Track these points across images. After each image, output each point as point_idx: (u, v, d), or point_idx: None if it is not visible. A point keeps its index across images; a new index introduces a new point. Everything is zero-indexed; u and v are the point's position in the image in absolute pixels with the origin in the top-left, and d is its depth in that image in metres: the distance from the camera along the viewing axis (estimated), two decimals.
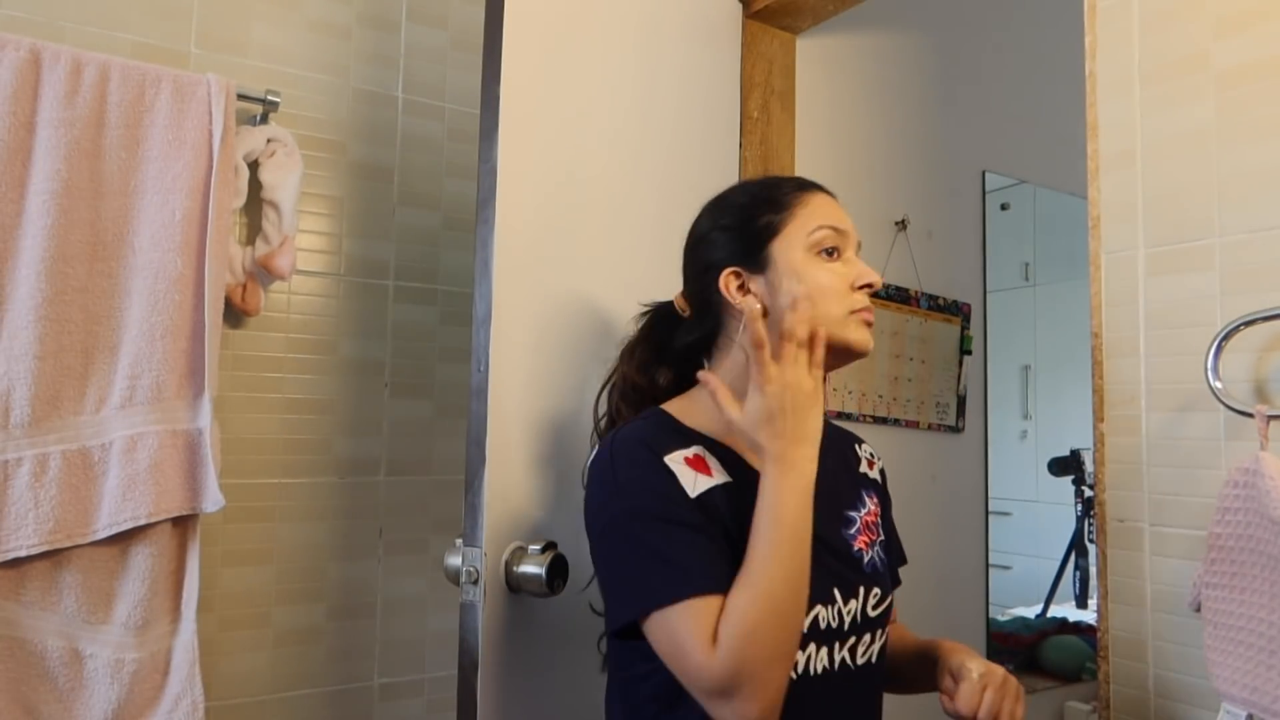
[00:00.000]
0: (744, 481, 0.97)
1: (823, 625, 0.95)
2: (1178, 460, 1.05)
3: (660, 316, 1.15)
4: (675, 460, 0.96)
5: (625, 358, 1.15)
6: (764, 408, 0.92)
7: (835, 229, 1.02)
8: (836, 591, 0.97)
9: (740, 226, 1.04)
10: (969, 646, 1.03)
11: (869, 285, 1.01)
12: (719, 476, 0.97)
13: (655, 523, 0.91)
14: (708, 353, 1.09)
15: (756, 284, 1.02)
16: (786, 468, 0.90)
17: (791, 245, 1.01)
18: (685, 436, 1.00)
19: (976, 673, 0.95)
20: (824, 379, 1.00)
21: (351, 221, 1.75)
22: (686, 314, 1.11)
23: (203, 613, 1.47)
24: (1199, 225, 1.05)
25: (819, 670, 0.95)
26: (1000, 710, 0.93)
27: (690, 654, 0.84)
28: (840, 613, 0.97)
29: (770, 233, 1.02)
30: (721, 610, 0.86)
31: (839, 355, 1.02)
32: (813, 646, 0.94)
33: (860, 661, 0.99)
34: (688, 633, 0.85)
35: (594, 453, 1.02)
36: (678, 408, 1.05)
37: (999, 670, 0.96)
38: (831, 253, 1.01)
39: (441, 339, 1.82)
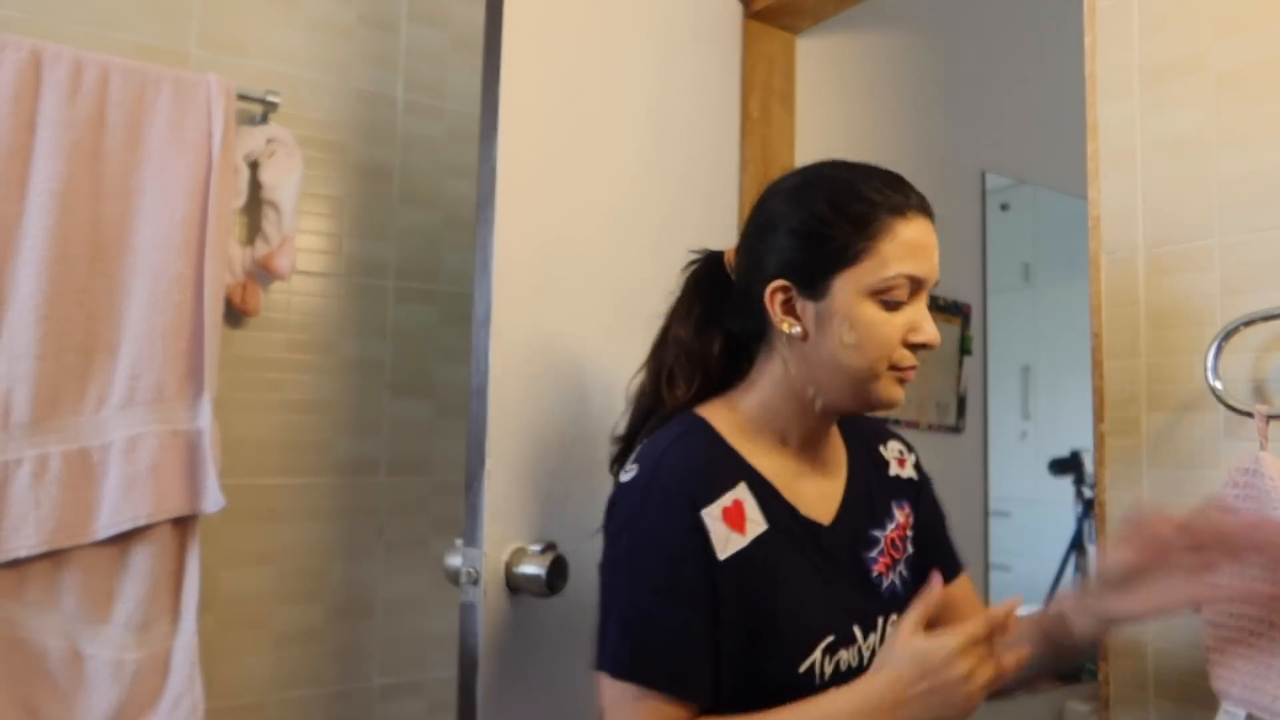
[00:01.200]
0: (781, 527, 0.92)
1: (843, 668, 0.92)
2: (1178, 460, 1.05)
3: (710, 270, 1.05)
4: (713, 515, 0.89)
5: (679, 318, 1.04)
6: (937, 659, 0.82)
7: (914, 278, 0.91)
8: (857, 630, 0.94)
9: (811, 238, 0.93)
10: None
11: (926, 345, 0.92)
12: (754, 529, 0.90)
13: (659, 595, 0.87)
14: (749, 349, 1.01)
15: (805, 308, 0.93)
16: (885, 706, 0.83)
17: (859, 283, 0.90)
18: (731, 467, 0.93)
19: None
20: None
21: (351, 221, 1.75)
22: (735, 278, 1.02)
23: (203, 613, 1.46)
24: (1199, 225, 1.05)
25: (828, 673, 0.92)
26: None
27: None
28: (860, 650, 0.94)
29: (841, 262, 0.91)
30: None
31: (847, 406, 0.96)
32: (833, 690, 0.89)
33: None
34: (619, 717, 0.85)
35: (629, 474, 0.93)
36: (724, 419, 0.97)
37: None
38: (899, 302, 0.92)
39: (441, 339, 1.82)
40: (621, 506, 0.93)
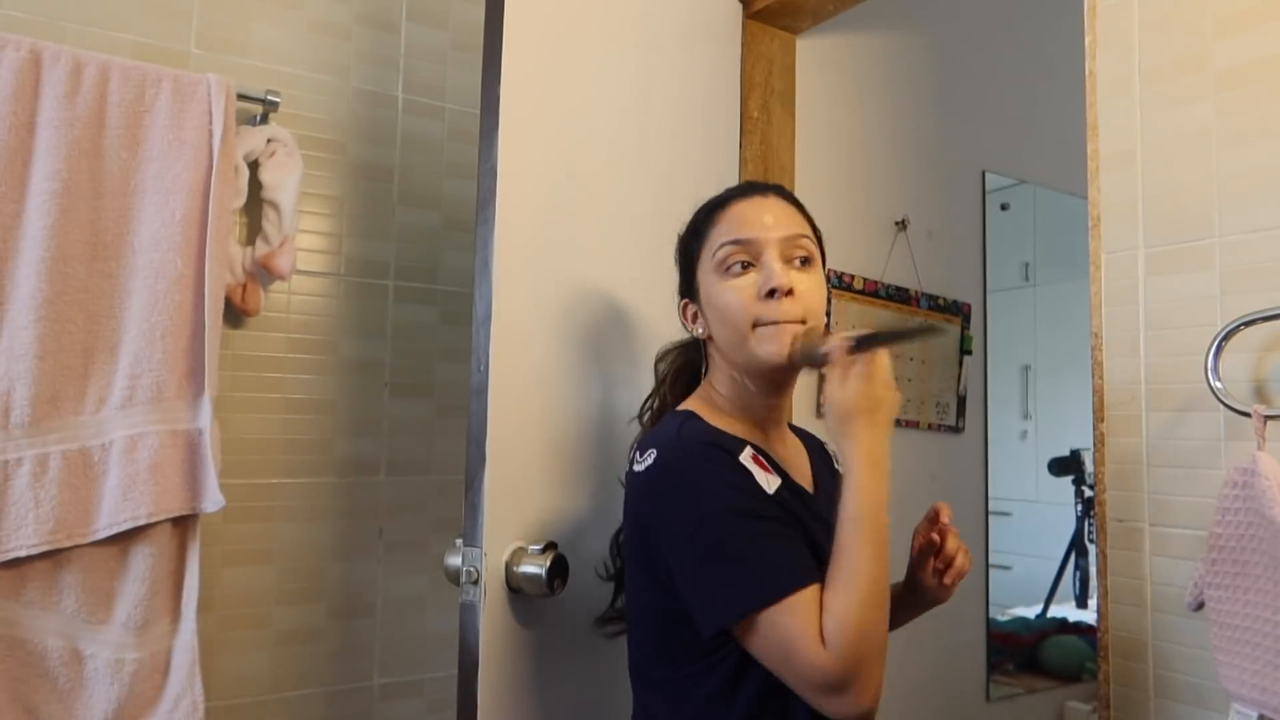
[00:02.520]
0: (788, 485, 1.01)
1: None
2: (1178, 460, 1.05)
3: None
4: (747, 459, 0.98)
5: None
6: (869, 395, 0.94)
7: (737, 241, 1.03)
8: None
9: (681, 259, 1.12)
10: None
11: (774, 291, 1.00)
12: (776, 480, 0.99)
13: (748, 520, 0.92)
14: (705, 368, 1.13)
15: (697, 312, 1.09)
16: (877, 462, 0.93)
17: (705, 270, 1.06)
18: (734, 438, 1.01)
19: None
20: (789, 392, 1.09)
21: (351, 221, 1.75)
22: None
23: (203, 613, 1.46)
24: (1199, 225, 1.05)
25: None
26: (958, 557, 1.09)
27: (802, 652, 0.86)
28: None
29: (695, 261, 1.08)
30: (821, 607, 0.88)
31: (760, 377, 1.05)
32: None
33: None
34: (798, 631, 0.86)
35: (650, 457, 0.99)
36: (705, 411, 1.05)
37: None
38: (745, 267, 1.02)
39: (441, 339, 1.82)
40: (664, 484, 0.96)
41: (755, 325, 1.01)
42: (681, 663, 0.99)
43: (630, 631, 1.07)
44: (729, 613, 0.90)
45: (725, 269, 1.03)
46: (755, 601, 0.88)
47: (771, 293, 1.00)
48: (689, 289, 1.10)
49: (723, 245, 1.04)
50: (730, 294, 1.02)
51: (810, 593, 0.88)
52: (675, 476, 0.96)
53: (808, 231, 1.07)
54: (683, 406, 1.08)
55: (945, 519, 1.10)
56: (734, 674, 0.95)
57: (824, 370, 0.99)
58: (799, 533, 0.95)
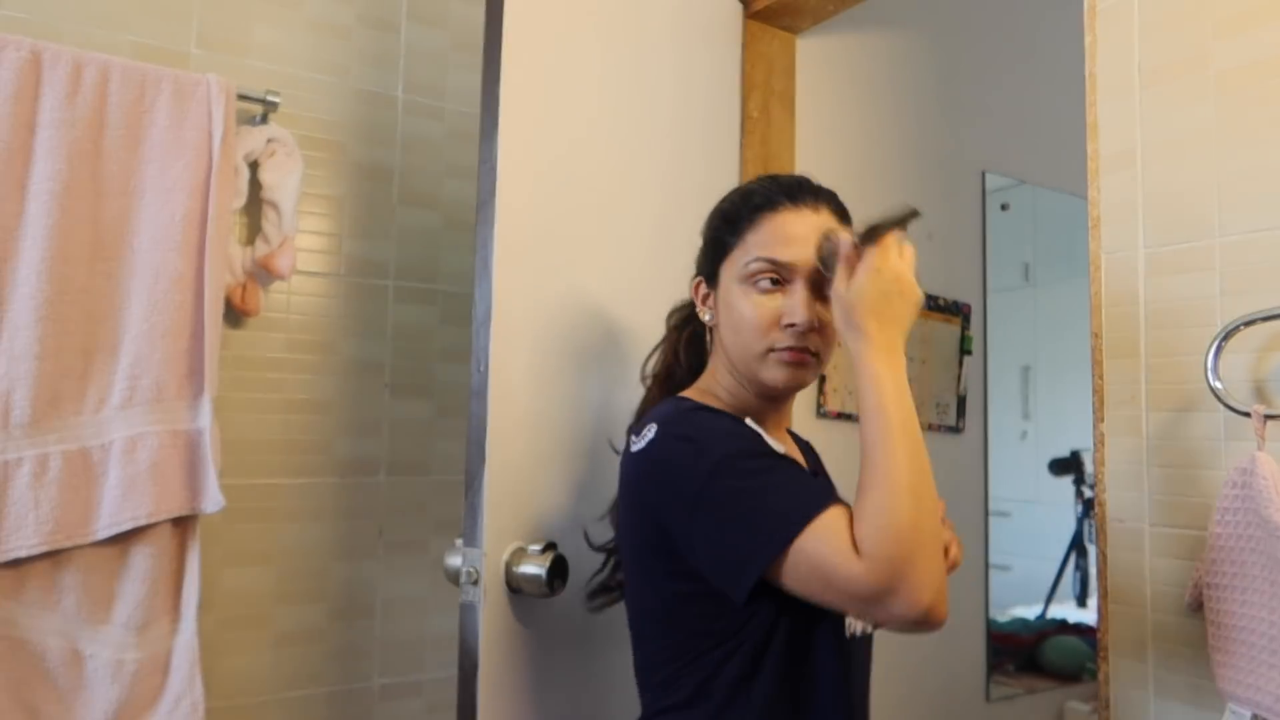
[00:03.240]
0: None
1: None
2: (1178, 460, 1.05)
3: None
4: (753, 424, 0.99)
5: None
6: (877, 288, 0.90)
7: (773, 263, 0.99)
8: None
9: (710, 239, 1.09)
10: None
11: (792, 325, 0.98)
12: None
13: (758, 459, 0.92)
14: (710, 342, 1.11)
15: (711, 298, 1.08)
16: (893, 354, 0.89)
17: (732, 270, 1.03)
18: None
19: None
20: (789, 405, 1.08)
21: (351, 221, 1.75)
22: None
23: (203, 613, 1.47)
24: (1199, 225, 1.05)
25: (859, 631, 0.97)
26: None
27: (837, 567, 0.82)
28: None
29: (722, 254, 1.05)
30: (851, 519, 0.85)
31: (760, 388, 1.03)
32: (826, 635, 0.96)
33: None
34: (830, 549, 0.83)
35: (651, 431, 0.97)
36: (703, 399, 1.05)
37: None
38: (774, 282, 1.00)
39: (441, 339, 1.82)
40: (669, 453, 0.95)
41: (769, 350, 0.99)
42: (693, 655, 0.96)
43: (639, 634, 1.05)
44: (763, 554, 0.86)
45: (753, 281, 1.00)
46: (781, 536, 0.85)
47: (792, 325, 0.98)
48: (710, 273, 1.07)
49: (756, 260, 1.00)
50: (751, 310, 1.00)
51: (835, 512, 0.85)
52: (677, 440, 0.95)
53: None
54: (686, 393, 1.07)
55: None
56: (750, 663, 0.93)
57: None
58: (808, 475, 0.95)
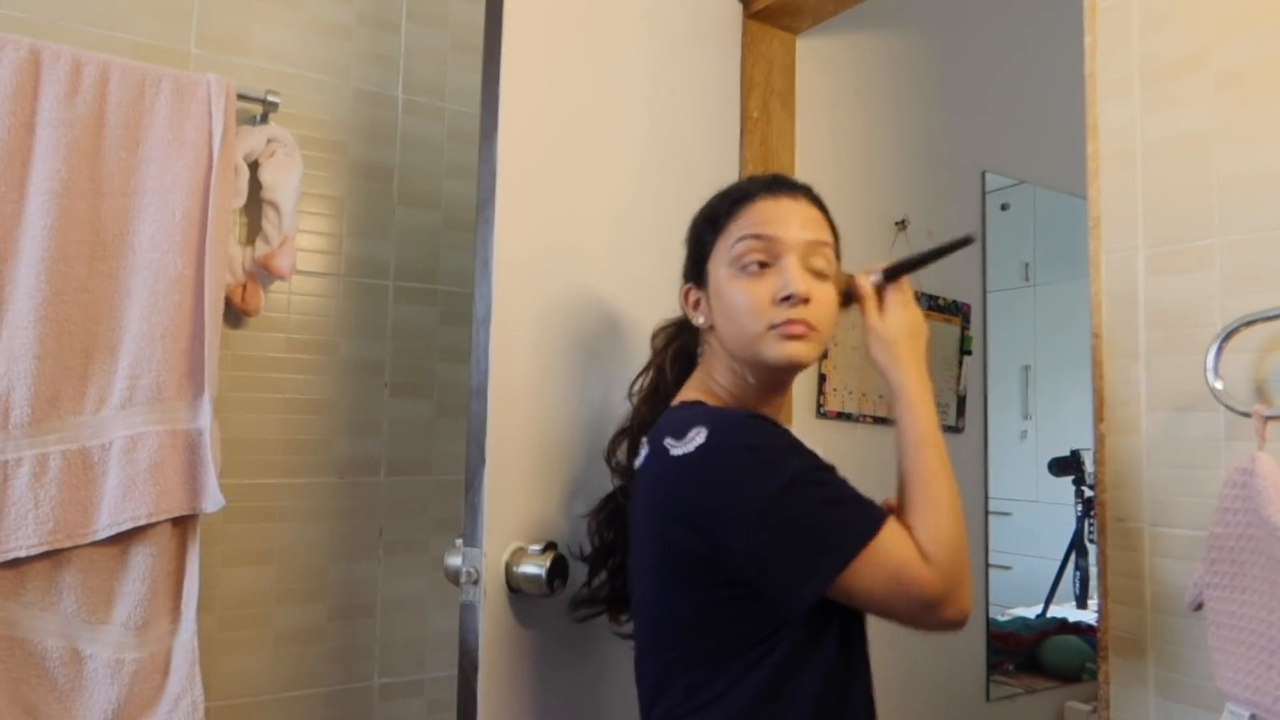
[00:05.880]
0: None
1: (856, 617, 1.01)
2: (1178, 460, 1.05)
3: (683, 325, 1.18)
4: (792, 431, 1.01)
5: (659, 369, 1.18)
6: (912, 322, 1.00)
7: (757, 237, 1.01)
8: None
9: (692, 244, 1.10)
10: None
11: (790, 296, 0.98)
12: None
13: (824, 472, 0.94)
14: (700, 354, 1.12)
15: (702, 300, 1.08)
16: (927, 384, 0.98)
17: (719, 263, 1.04)
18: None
19: None
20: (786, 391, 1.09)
21: (351, 221, 1.75)
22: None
23: (203, 613, 1.47)
24: (1199, 225, 1.05)
25: (863, 652, 1.03)
26: None
27: (914, 571, 0.88)
28: None
29: (707, 250, 1.06)
30: (910, 529, 0.91)
31: (763, 373, 1.03)
32: (856, 632, 1.01)
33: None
34: (905, 555, 0.89)
35: (701, 435, 0.94)
36: (708, 401, 1.04)
37: None
38: (761, 267, 1.00)
39: (441, 339, 1.82)
40: (721, 457, 0.94)
41: (769, 328, 0.99)
42: (718, 664, 0.95)
43: (652, 639, 1.03)
44: (835, 562, 0.88)
45: (741, 266, 1.01)
46: (856, 545, 0.89)
47: (788, 298, 0.98)
48: (696, 275, 1.08)
49: (743, 239, 1.01)
50: (743, 295, 1.00)
51: (894, 522, 0.91)
52: (739, 449, 0.94)
53: (830, 241, 1.05)
54: (686, 397, 1.06)
55: None
56: (781, 671, 0.94)
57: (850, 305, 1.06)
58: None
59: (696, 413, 0.99)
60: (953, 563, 0.89)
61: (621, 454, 1.18)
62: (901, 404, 0.98)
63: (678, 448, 0.95)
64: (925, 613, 0.89)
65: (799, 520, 0.90)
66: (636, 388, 1.18)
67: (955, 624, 0.89)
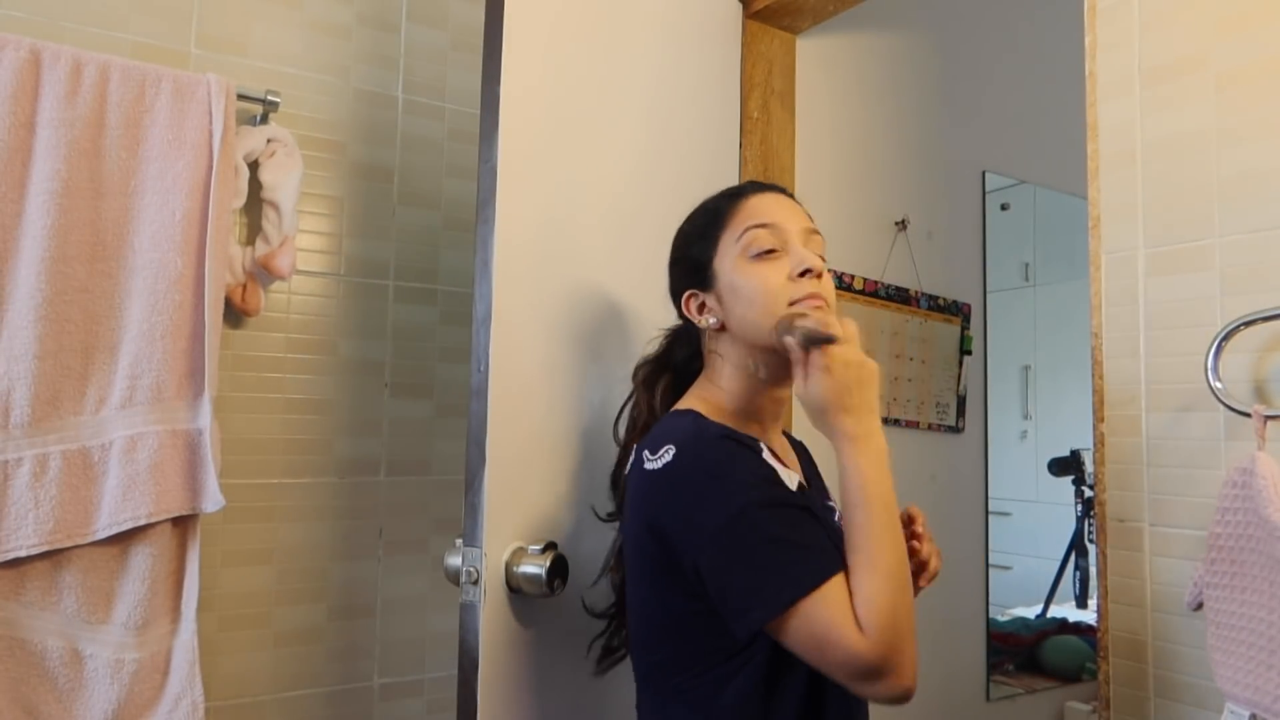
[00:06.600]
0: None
1: None
2: (1178, 460, 1.05)
3: (676, 336, 1.19)
4: (768, 454, 1.00)
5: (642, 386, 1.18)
6: (832, 387, 0.93)
7: (764, 224, 1.03)
8: None
9: (685, 253, 1.11)
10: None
11: (807, 271, 1.01)
12: (796, 472, 1.03)
13: (779, 509, 0.92)
14: (702, 368, 1.12)
15: (709, 301, 1.07)
16: (865, 444, 0.92)
17: (726, 256, 1.05)
18: (747, 435, 1.01)
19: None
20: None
21: (351, 221, 1.75)
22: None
23: (203, 613, 1.46)
24: (1199, 225, 1.05)
25: None
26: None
27: (840, 640, 0.85)
28: None
29: (710, 251, 1.07)
30: (850, 593, 0.87)
31: (777, 360, 1.03)
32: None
33: None
34: (835, 620, 0.85)
35: (668, 453, 0.96)
36: (708, 410, 1.04)
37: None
38: (769, 253, 1.03)
39: (441, 339, 1.82)
40: (683, 477, 0.95)
41: (791, 304, 1.01)
42: (705, 667, 0.96)
43: (638, 640, 1.04)
44: (767, 609, 0.88)
45: (753, 254, 1.03)
46: (795, 592, 0.87)
47: (806, 272, 1.01)
48: (699, 280, 1.08)
49: (750, 228, 1.03)
50: (760, 278, 1.02)
51: (839, 580, 0.88)
52: (699, 472, 0.94)
53: (819, 230, 1.09)
54: (682, 405, 1.07)
55: (919, 527, 1.09)
56: (767, 673, 0.94)
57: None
58: (819, 525, 0.95)
59: (676, 426, 1.00)
60: (890, 632, 0.84)
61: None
62: (840, 465, 0.93)
63: (650, 462, 0.98)
64: (854, 682, 0.86)
65: (741, 556, 0.90)
66: (624, 431, 1.18)
67: (893, 699, 0.85)
